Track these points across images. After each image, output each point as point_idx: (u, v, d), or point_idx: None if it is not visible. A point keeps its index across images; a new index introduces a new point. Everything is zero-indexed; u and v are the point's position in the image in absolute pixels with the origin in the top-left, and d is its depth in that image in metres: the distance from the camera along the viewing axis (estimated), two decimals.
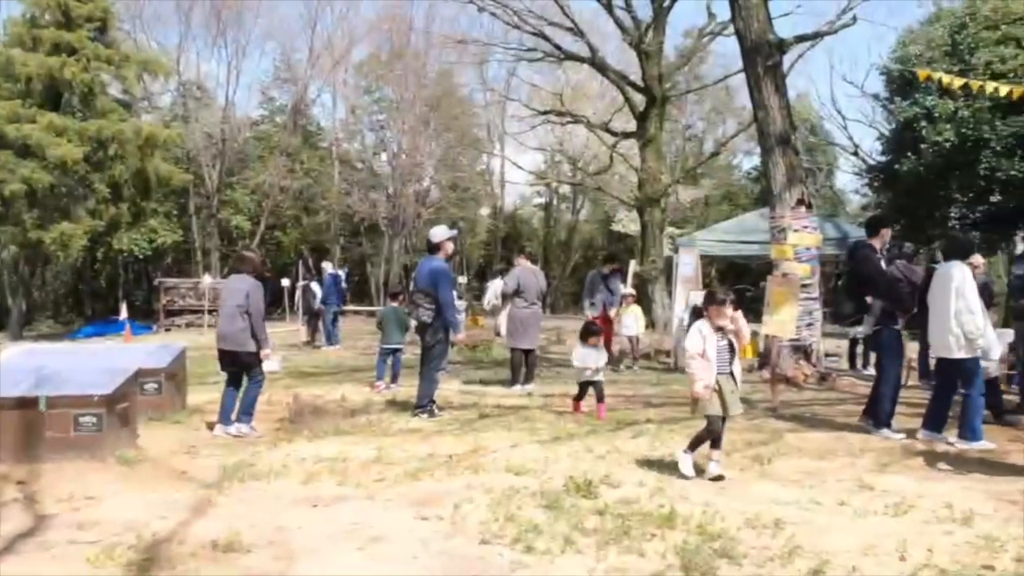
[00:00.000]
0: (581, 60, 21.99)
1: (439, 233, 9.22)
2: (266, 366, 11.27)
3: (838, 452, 6.91)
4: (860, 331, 8.15)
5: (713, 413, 5.86)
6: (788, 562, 4.12)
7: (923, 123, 25.60)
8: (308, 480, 5.80)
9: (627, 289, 13.88)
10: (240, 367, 7.88)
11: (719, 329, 5.90)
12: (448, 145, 38.43)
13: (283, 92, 40.20)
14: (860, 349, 13.22)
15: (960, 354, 7.14)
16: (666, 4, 20.57)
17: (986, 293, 8.10)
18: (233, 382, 7.92)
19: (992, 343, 7.28)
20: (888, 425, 7.67)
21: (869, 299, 7.82)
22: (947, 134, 24.69)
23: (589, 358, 8.63)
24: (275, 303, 26.86)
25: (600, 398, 8.62)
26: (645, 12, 21.18)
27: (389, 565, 4.11)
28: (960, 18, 26.03)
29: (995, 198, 24.58)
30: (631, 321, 13.20)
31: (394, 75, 38.08)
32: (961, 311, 7.03)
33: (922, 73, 9.71)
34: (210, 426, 7.96)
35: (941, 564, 4.09)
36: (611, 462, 6.40)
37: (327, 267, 19.25)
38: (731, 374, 5.96)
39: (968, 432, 7.17)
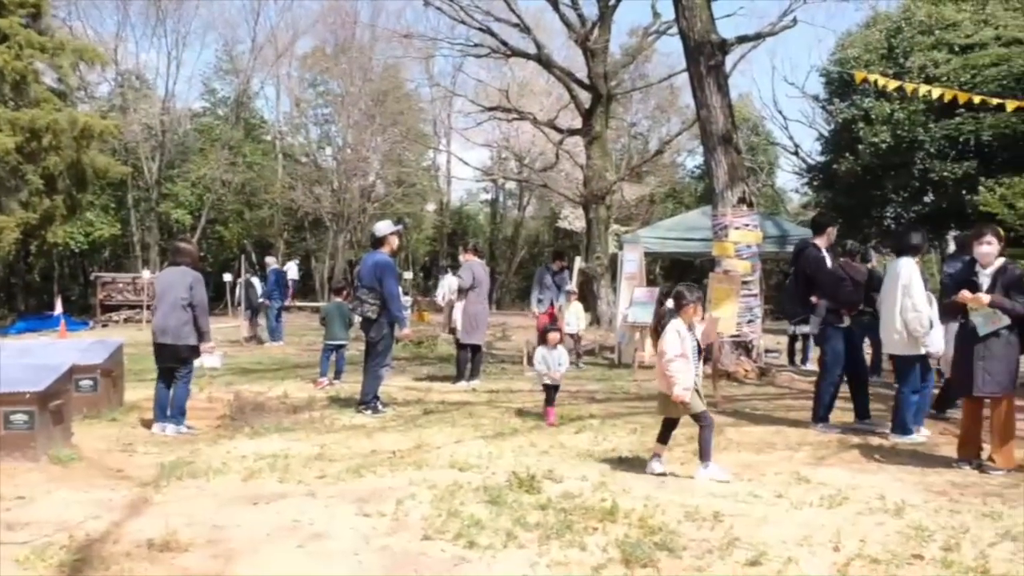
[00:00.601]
0: (527, 57, 22.02)
1: (384, 227, 9.18)
2: (207, 362, 11.15)
3: (776, 446, 7.04)
4: (806, 329, 8.25)
5: (697, 411, 5.81)
6: (727, 554, 4.19)
7: (860, 124, 26.21)
8: (248, 478, 5.73)
9: (570, 286, 13.94)
10: (176, 362, 7.72)
11: (689, 328, 5.88)
12: (394, 140, 38.09)
13: (225, 84, 39.53)
14: (799, 345, 13.49)
15: (904, 350, 7.27)
16: (612, 2, 20.72)
17: None
18: (165, 378, 7.77)
19: (936, 339, 7.36)
20: (825, 420, 7.82)
21: (814, 298, 7.93)
22: (883, 135, 25.30)
23: (550, 360, 8.21)
24: (217, 298, 26.43)
25: (549, 402, 8.19)
26: (591, 10, 21.33)
27: (329, 562, 4.08)
28: (896, 22, 26.69)
29: (928, 198, 25.27)
30: (573, 319, 13.23)
31: (339, 69, 37.67)
32: (907, 308, 7.11)
33: (859, 75, 9.94)
34: (147, 424, 7.82)
35: (873, 554, 4.20)
36: (555, 457, 6.44)
37: (270, 262, 19.00)
38: (698, 374, 5.96)
39: (898, 427, 7.34)
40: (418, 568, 4.02)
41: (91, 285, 29.28)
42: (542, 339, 8.52)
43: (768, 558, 4.11)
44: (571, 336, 13.09)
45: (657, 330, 5.99)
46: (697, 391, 5.83)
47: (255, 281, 18.38)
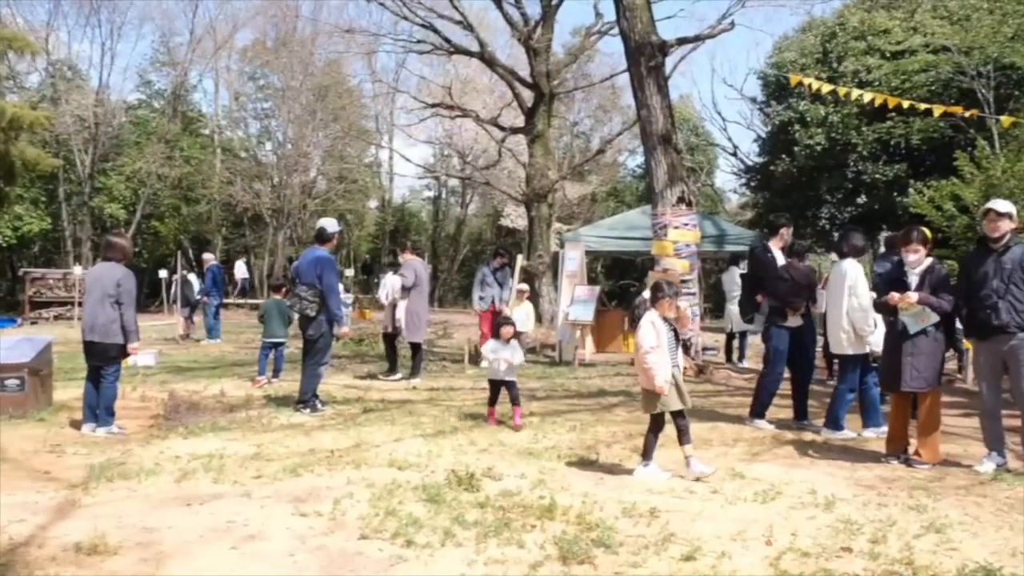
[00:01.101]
0: (470, 54, 22.00)
1: (332, 225, 9.15)
2: (140, 361, 10.92)
3: (713, 442, 7.15)
4: (751, 328, 8.39)
5: (676, 408, 5.75)
6: (662, 549, 4.25)
7: (796, 127, 26.77)
8: (182, 478, 5.63)
9: (521, 285, 13.89)
10: (105, 361, 7.53)
11: (666, 321, 5.83)
12: (335, 136, 37.74)
13: (162, 76, 38.69)
14: (736, 343, 13.71)
15: (849, 350, 7.42)
16: (554, 2, 20.83)
17: None
18: (94, 377, 7.58)
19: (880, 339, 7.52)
20: (762, 416, 7.97)
21: (760, 298, 8.11)
22: (818, 138, 25.89)
23: (502, 352, 7.85)
24: (152, 295, 25.92)
25: (515, 401, 7.84)
26: (534, 9, 21.44)
27: (264, 563, 4.03)
28: (831, 28, 27.31)
29: (861, 199, 25.94)
30: (522, 317, 13.13)
31: (280, 62, 37.15)
32: (853, 308, 7.27)
33: (794, 78, 10.13)
34: (77, 424, 7.62)
35: (804, 547, 4.30)
36: (494, 455, 6.45)
37: (208, 259, 18.65)
38: (678, 365, 5.89)
39: (831, 422, 7.52)
40: (355, 568, 3.99)
41: (19, 281, 28.39)
42: (495, 333, 8.12)
43: (702, 553, 4.18)
44: (519, 335, 13.03)
45: (633, 324, 5.99)
46: (677, 386, 5.76)
47: (192, 278, 18.04)
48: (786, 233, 8.45)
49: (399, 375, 10.87)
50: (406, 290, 10.90)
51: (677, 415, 5.80)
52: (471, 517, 4.69)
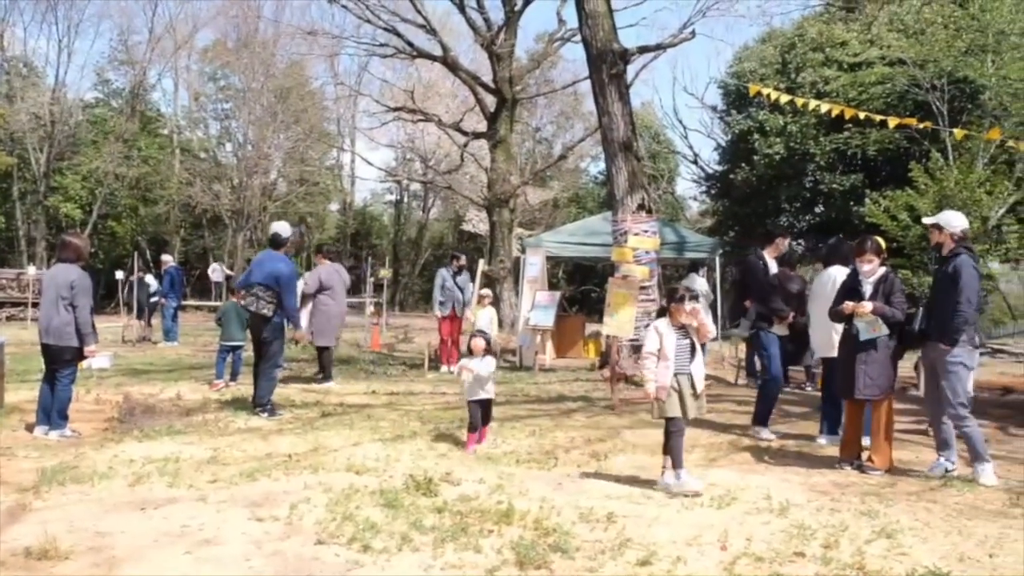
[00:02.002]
0: (433, 58, 22.00)
1: (287, 229, 9.16)
2: (95, 363, 10.74)
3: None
4: (737, 332, 8.41)
5: (673, 415, 5.60)
6: (618, 554, 4.27)
7: (756, 136, 27.14)
8: (136, 482, 5.55)
9: (483, 290, 13.82)
10: (60, 364, 7.41)
11: (680, 327, 5.69)
12: (297, 138, 37.48)
13: (120, 75, 38.19)
14: None
15: (828, 354, 7.43)
16: (517, 7, 20.89)
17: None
18: (51, 379, 7.45)
19: None
20: (764, 424, 7.86)
21: (747, 304, 8.17)
22: (777, 147, 26.27)
23: (473, 366, 7.03)
24: (108, 296, 25.50)
25: (486, 419, 7.25)
26: (497, 14, 21.48)
27: (218, 568, 3.99)
28: (790, 39, 27.75)
29: (819, 208, 26.36)
30: (485, 322, 12.96)
31: (241, 63, 36.84)
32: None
33: (753, 88, 10.25)
34: (30, 427, 7.47)
35: (758, 552, 4.35)
36: (453, 460, 6.45)
37: (167, 260, 18.38)
38: (691, 375, 5.66)
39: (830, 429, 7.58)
40: (311, 573, 3.97)
41: None
42: (468, 348, 7.37)
43: (658, 558, 4.21)
44: None
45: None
46: (680, 394, 5.59)
47: (149, 279, 17.77)
48: (782, 243, 8.50)
49: (328, 383, 10.90)
50: (306, 296, 10.92)
51: (673, 421, 5.64)
52: (429, 522, 4.68)
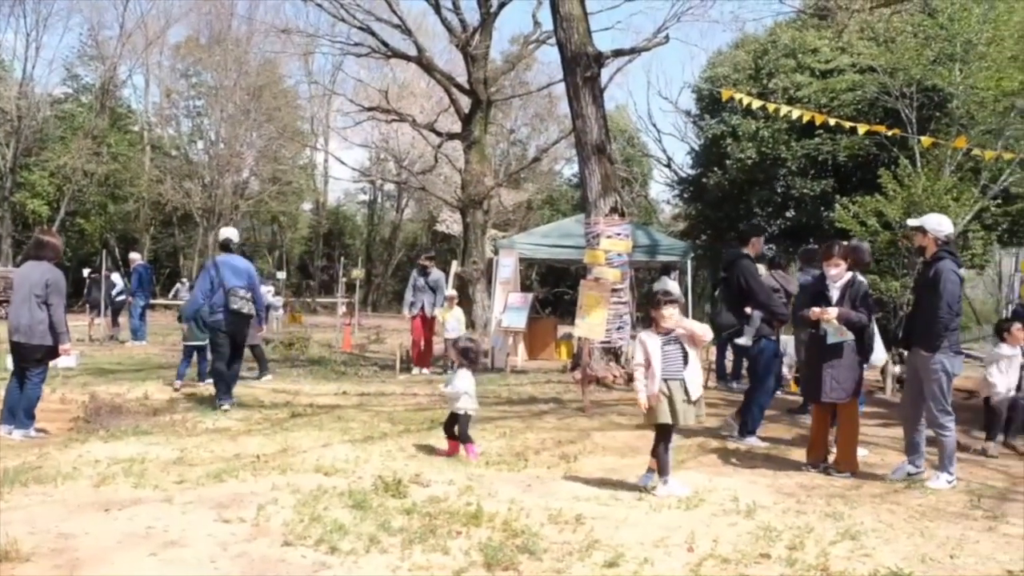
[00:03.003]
0: (408, 58, 21.94)
1: (237, 234, 9.62)
2: (61, 363, 10.58)
3: (640, 450, 7.20)
4: (741, 341, 8.05)
5: (662, 421, 5.55)
6: (586, 556, 4.29)
7: (728, 140, 27.32)
8: (101, 483, 5.48)
9: (450, 291, 13.82)
10: (30, 363, 7.32)
11: (666, 333, 5.61)
12: (270, 137, 37.27)
13: (90, 70, 37.75)
14: None
15: None
16: (493, 9, 20.89)
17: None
18: (20, 378, 7.35)
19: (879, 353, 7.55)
20: (753, 433, 7.76)
21: (748, 309, 7.77)
22: (749, 152, 26.45)
23: (461, 382, 6.83)
24: (75, 294, 25.15)
25: (461, 436, 6.78)
26: (473, 16, 21.45)
27: (183, 570, 3.95)
28: (763, 45, 27.98)
29: (790, 213, 26.56)
30: (454, 324, 12.86)
31: (213, 60, 36.59)
32: None
33: (725, 92, 10.32)
34: None
35: (724, 553, 4.38)
36: (423, 461, 6.44)
37: (135, 258, 18.19)
38: (683, 380, 5.56)
39: None
40: (277, 574, 3.94)
41: None
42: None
43: (625, 559, 4.23)
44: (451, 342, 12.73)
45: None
46: (671, 400, 5.51)
47: (115, 278, 17.55)
48: (757, 243, 8.26)
49: (267, 377, 11.07)
50: None
51: (662, 428, 5.61)
52: (397, 523, 4.67)
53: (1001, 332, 8.24)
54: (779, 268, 8.16)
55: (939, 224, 6.36)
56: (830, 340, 6.46)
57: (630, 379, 11.58)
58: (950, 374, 6.13)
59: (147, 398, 9.16)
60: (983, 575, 4.22)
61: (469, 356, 6.96)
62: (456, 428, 6.75)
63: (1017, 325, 8.26)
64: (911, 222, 6.64)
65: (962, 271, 6.29)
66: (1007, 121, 21.60)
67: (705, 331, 5.74)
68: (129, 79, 40.71)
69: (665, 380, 5.53)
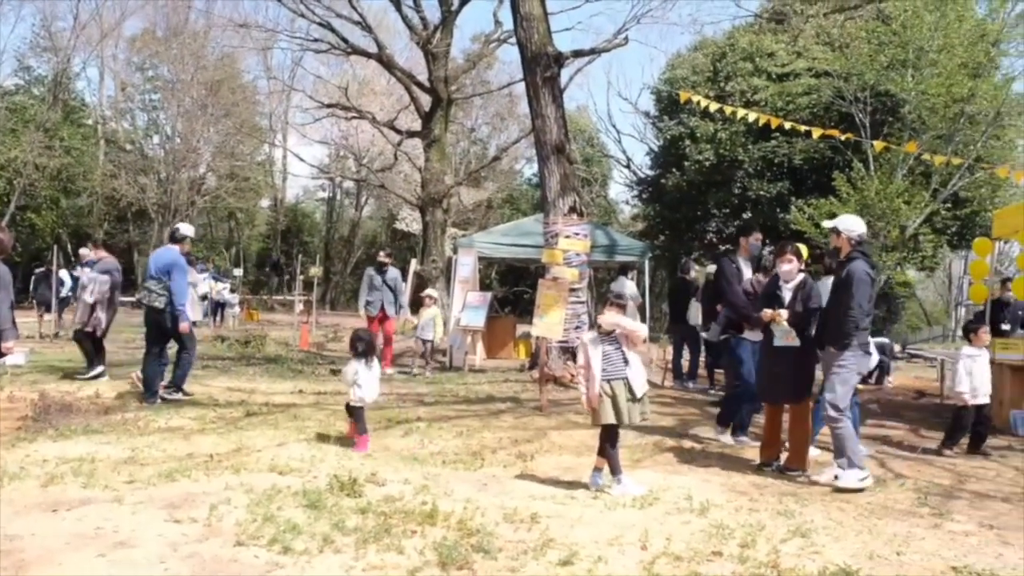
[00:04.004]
0: (368, 55, 21.82)
1: (191, 229, 9.73)
2: (9, 360, 10.36)
3: (596, 449, 7.26)
4: (706, 336, 8.15)
5: (607, 422, 5.57)
6: (541, 554, 4.30)
7: (687, 142, 27.59)
8: (49, 483, 5.37)
9: (429, 291, 13.64)
10: None
11: (609, 334, 5.64)
12: (227, 132, 36.82)
13: (42, 62, 36.96)
14: None
15: None
16: (454, 7, 20.85)
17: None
18: None
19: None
20: (744, 430, 7.83)
21: (719, 307, 8.02)
22: (707, 153, 26.74)
23: (358, 376, 6.92)
24: (25, 290, 24.63)
25: (359, 427, 6.96)
26: (434, 13, 21.39)
27: (132, 571, 3.89)
28: (721, 48, 28.29)
29: (747, 214, 26.90)
30: (429, 324, 12.56)
31: (170, 54, 36.03)
32: None
33: (683, 95, 10.44)
34: None
35: (677, 551, 4.42)
36: (379, 460, 6.41)
37: (86, 254, 17.80)
38: (626, 379, 5.59)
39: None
40: (229, 575, 3.90)
41: None
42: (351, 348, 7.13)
43: (579, 558, 4.25)
44: (424, 342, 12.56)
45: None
46: (614, 400, 5.54)
47: (64, 275, 17.19)
48: (745, 243, 8.21)
49: (97, 370, 10.75)
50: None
51: (611, 427, 5.63)
52: (351, 523, 4.64)
53: (968, 334, 8.14)
54: (764, 271, 8.03)
55: (852, 225, 6.46)
56: (776, 342, 6.56)
57: None
58: (854, 372, 6.19)
59: (98, 396, 9.00)
60: (928, 571, 4.31)
61: (356, 347, 6.98)
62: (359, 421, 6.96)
63: (984, 327, 8.28)
64: (826, 224, 6.76)
65: (874, 271, 6.35)
66: (957, 127, 22.11)
67: (641, 330, 5.77)
68: (83, 72, 40.10)
69: (608, 380, 5.57)
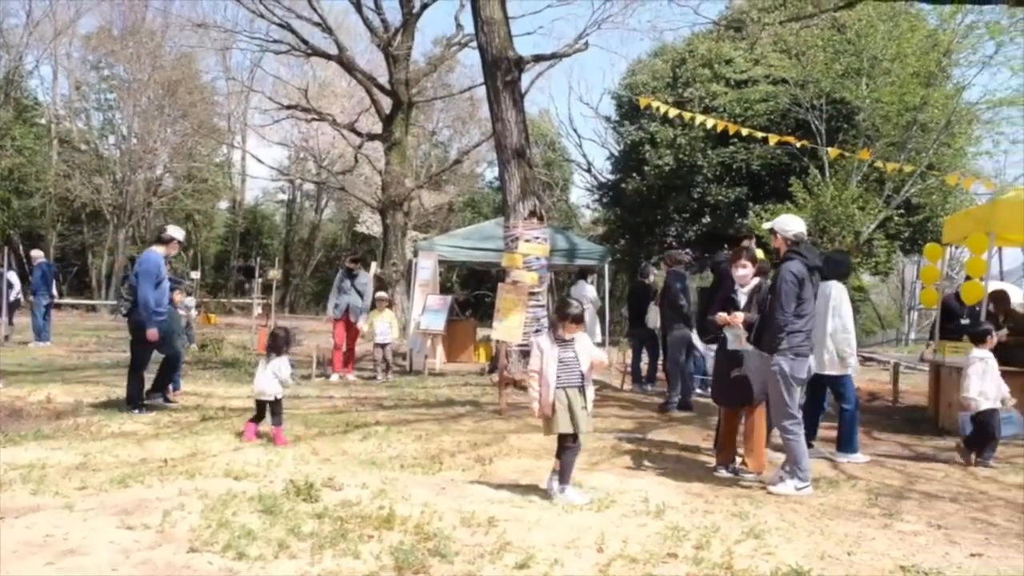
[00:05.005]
0: (328, 57, 21.71)
1: (179, 232, 9.26)
2: None
3: (553, 451, 7.28)
4: (700, 346, 7.83)
5: (564, 431, 5.50)
6: (497, 558, 4.31)
7: (647, 147, 27.81)
8: None
9: (380, 293, 13.53)
10: None
11: (564, 341, 5.55)
12: (185, 133, 36.34)
13: None
14: None
15: (831, 371, 7.50)
16: (415, 10, 20.82)
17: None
18: None
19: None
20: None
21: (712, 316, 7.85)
22: (667, 158, 26.98)
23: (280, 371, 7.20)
24: None
25: (276, 420, 7.19)
26: (395, 16, 21.34)
27: None
28: (681, 54, 28.57)
29: (706, 219, 27.18)
30: (384, 328, 12.50)
31: (126, 53, 35.46)
32: (837, 330, 7.36)
33: (643, 100, 10.55)
34: None
35: (633, 553, 4.46)
36: (336, 465, 6.37)
37: (37, 255, 17.50)
38: (580, 387, 5.54)
39: (847, 445, 7.48)
40: None
41: None
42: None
43: (536, 560, 4.27)
44: (380, 346, 12.50)
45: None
46: (570, 408, 5.47)
47: (11, 277, 16.82)
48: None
49: None
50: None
51: (568, 437, 5.58)
52: (307, 528, 4.62)
53: (977, 340, 7.74)
54: (764, 276, 7.95)
55: (786, 224, 6.38)
56: (730, 346, 6.64)
57: None
58: (788, 376, 6.06)
59: (50, 401, 8.85)
60: (877, 570, 4.39)
61: (274, 343, 7.32)
62: (261, 414, 7.27)
63: (998, 332, 8.16)
64: (765, 225, 6.76)
65: (811, 272, 6.17)
66: (909, 134, 22.56)
67: (602, 358, 5.82)
68: (36, 70, 39.33)
69: (563, 388, 5.49)
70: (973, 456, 7.39)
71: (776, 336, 6.07)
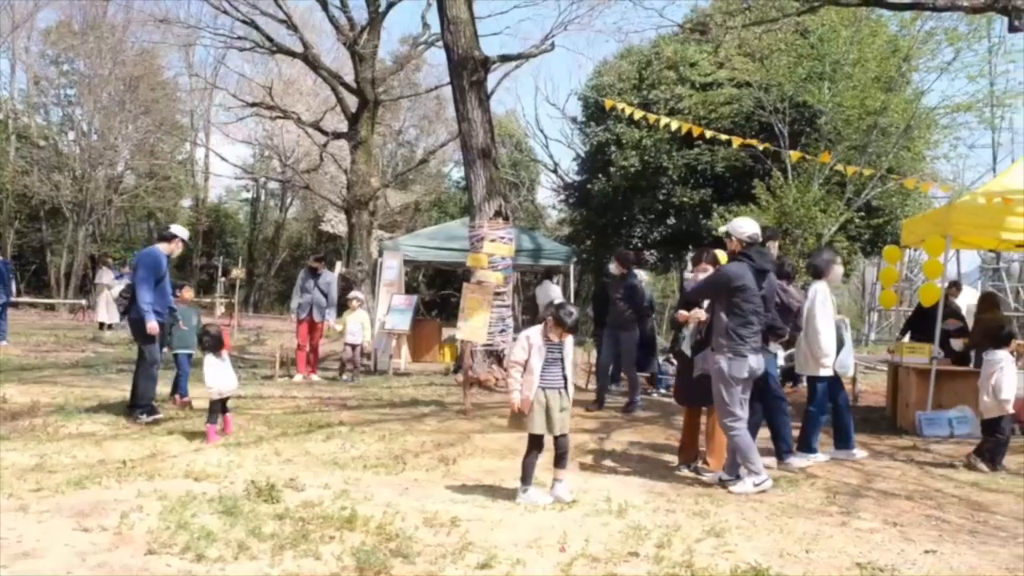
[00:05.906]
0: (293, 55, 21.51)
1: (183, 231, 9.09)
2: None
3: (519, 452, 7.21)
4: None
5: (539, 432, 5.51)
6: (459, 558, 4.31)
7: (613, 148, 27.92)
8: None
9: (355, 293, 13.41)
10: None
11: (554, 343, 5.53)
12: (147, 130, 35.80)
13: None
14: None
15: (807, 371, 7.57)
16: (381, 8, 20.71)
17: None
18: None
19: (847, 361, 7.65)
20: (813, 450, 7.51)
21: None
22: (632, 160, 27.10)
23: (221, 377, 7.36)
24: None
25: (212, 419, 7.34)
26: (361, 14, 21.21)
27: None
28: (647, 56, 28.71)
29: (671, 220, 27.34)
30: (356, 327, 12.39)
31: (87, 47, 34.86)
32: (809, 331, 7.36)
33: (608, 102, 10.58)
34: None
35: (595, 552, 4.48)
36: (299, 465, 6.34)
37: None
38: (560, 389, 5.56)
39: (804, 446, 7.43)
40: None
41: None
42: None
43: (498, 560, 4.27)
44: (351, 347, 12.40)
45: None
46: (547, 409, 5.49)
47: None
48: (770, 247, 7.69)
49: None
50: None
51: (560, 437, 5.59)
52: (268, 529, 4.58)
53: (1000, 344, 7.47)
54: (787, 279, 7.55)
55: (740, 226, 6.41)
56: (682, 346, 6.71)
57: None
58: (726, 375, 6.09)
59: (5, 401, 8.68)
60: (835, 568, 4.46)
61: (203, 342, 7.60)
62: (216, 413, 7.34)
63: (1018, 340, 8.07)
64: (721, 229, 6.80)
65: (757, 273, 6.18)
66: (870, 138, 22.90)
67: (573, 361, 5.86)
68: None
69: (544, 388, 5.50)
70: (981, 463, 7.19)
71: (717, 337, 6.15)
